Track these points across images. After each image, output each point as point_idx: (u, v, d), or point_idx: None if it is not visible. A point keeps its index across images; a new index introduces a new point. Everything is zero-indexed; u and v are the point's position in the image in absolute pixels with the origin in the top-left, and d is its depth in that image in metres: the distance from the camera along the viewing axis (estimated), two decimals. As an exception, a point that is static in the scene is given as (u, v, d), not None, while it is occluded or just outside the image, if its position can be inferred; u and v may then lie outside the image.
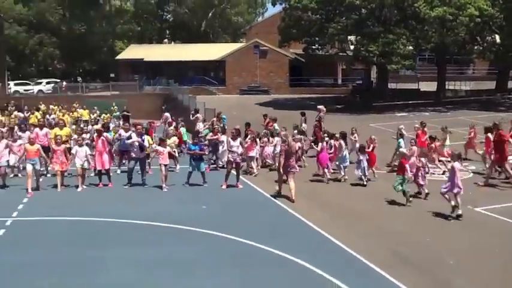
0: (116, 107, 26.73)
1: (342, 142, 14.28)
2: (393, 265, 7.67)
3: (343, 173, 14.11)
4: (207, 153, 15.51)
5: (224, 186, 13.24)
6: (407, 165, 11.36)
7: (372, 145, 14.24)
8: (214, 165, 16.10)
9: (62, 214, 10.42)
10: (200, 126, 19.01)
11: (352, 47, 38.00)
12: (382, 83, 41.41)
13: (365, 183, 13.41)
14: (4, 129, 14.95)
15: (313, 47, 39.52)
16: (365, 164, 13.39)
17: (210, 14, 68.77)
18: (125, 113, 26.28)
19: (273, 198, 12.14)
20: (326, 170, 14.11)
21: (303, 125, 19.32)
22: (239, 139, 13.76)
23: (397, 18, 34.43)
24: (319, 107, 20.89)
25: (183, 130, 18.28)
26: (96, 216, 10.28)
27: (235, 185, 13.31)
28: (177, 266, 7.58)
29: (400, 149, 13.26)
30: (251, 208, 11.45)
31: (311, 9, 36.17)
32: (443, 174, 13.92)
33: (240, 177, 13.70)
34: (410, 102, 35.72)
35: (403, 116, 29.42)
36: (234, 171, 13.41)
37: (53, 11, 63.93)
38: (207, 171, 14.44)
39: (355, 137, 15.51)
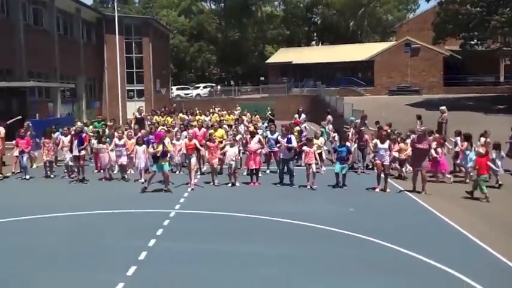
0: (269, 111, 27.50)
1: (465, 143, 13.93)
2: None
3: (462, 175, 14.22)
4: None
5: (377, 190, 13.04)
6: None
7: None
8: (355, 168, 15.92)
9: (218, 209, 11.19)
10: (330, 127, 19.40)
11: (518, 41, 34.30)
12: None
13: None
14: (175, 130, 16.58)
15: (472, 42, 36.52)
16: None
17: (359, 14, 67.67)
18: (270, 115, 26.96)
19: (424, 204, 11.61)
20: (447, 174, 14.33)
21: (421, 128, 18.04)
22: (388, 142, 13.41)
23: None
24: (441, 108, 19.54)
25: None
26: (249, 212, 10.81)
27: (383, 188, 13.02)
28: (319, 264, 7.63)
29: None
30: (398, 212, 11.05)
31: (470, 2, 33.50)
32: None
33: (389, 180, 13.34)
34: None
35: None
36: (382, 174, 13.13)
37: (210, 21, 69.10)
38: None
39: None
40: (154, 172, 13.07)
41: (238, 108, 28.87)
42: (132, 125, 18.86)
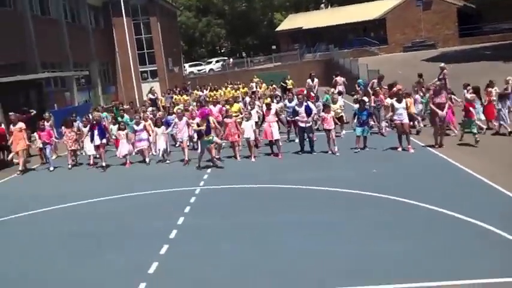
0: (290, 80, 27.17)
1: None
2: None
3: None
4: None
5: (399, 149, 13.01)
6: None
7: None
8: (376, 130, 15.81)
9: (241, 182, 11.30)
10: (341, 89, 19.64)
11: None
12: None
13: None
14: (191, 108, 16.59)
15: (487, -11, 35.43)
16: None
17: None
18: (283, 84, 26.72)
19: (450, 160, 11.56)
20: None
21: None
22: (404, 101, 13.30)
23: None
24: (440, 65, 19.31)
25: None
26: (271, 183, 10.92)
27: (406, 148, 12.96)
28: (347, 228, 7.70)
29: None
30: (423, 170, 11.02)
31: None
32: None
33: (411, 138, 13.31)
34: None
35: None
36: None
37: (216, -7, 68.06)
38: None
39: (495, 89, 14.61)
40: (203, 150, 13.14)
41: (256, 79, 28.38)
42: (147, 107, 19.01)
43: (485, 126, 14.52)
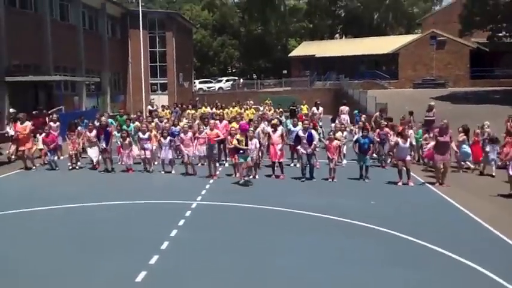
0: (305, 105, 27.34)
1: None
2: None
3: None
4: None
5: (400, 183, 12.97)
6: None
7: None
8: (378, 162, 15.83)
9: (239, 201, 11.27)
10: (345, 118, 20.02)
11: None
12: None
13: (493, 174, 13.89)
14: (196, 122, 16.73)
15: (500, 34, 35.74)
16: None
17: (383, 6, 66.79)
18: (292, 108, 26.87)
19: (448, 198, 11.52)
20: None
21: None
22: (409, 139, 13.55)
23: None
24: (431, 103, 19.85)
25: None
26: (269, 204, 10.88)
27: (406, 182, 12.95)
28: (337, 256, 7.65)
29: None
30: (420, 205, 10.97)
31: (498, -7, 32.78)
32: None
33: (412, 174, 13.29)
34: None
35: None
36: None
37: (233, 14, 69.04)
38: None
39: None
40: (241, 163, 13.14)
41: (268, 101, 28.77)
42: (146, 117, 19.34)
43: (472, 166, 14.83)
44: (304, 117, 17.02)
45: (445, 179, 12.91)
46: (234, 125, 15.96)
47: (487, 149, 14.32)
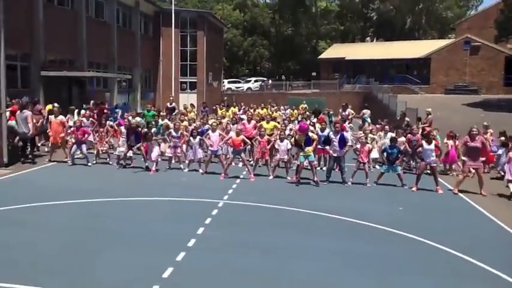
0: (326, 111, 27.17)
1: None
2: None
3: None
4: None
5: (414, 189, 12.84)
6: None
7: None
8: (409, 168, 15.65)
9: (265, 201, 11.31)
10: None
11: None
12: None
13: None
14: (224, 121, 16.82)
15: (537, 41, 34.81)
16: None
17: (417, 10, 65.86)
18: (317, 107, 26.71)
19: (476, 205, 11.31)
20: None
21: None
22: (434, 142, 13.20)
23: None
24: (428, 110, 19.51)
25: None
26: (296, 206, 10.86)
27: (435, 189, 12.76)
28: (365, 262, 7.60)
29: None
30: (448, 213, 10.79)
31: (537, -1, 31.95)
32: None
33: (440, 180, 13.09)
34: None
35: None
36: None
37: (265, 15, 69.20)
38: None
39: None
40: (302, 163, 13.27)
41: (304, 105, 28.72)
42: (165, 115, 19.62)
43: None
44: (334, 120, 17.04)
45: (482, 188, 12.57)
46: (264, 124, 16.03)
47: (499, 152, 14.32)
